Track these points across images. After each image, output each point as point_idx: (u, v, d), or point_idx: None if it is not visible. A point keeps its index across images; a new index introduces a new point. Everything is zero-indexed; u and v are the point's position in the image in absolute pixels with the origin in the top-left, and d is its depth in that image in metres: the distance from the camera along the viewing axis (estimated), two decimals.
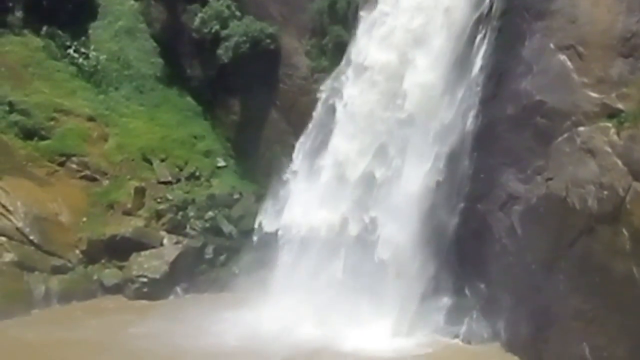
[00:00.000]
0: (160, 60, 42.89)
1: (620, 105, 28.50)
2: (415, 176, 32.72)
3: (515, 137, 31.17)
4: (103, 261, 36.49)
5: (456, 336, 31.92)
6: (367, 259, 33.46)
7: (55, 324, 33.14)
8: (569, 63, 30.02)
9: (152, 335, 31.91)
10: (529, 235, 30.50)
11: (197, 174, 39.37)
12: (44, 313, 34.24)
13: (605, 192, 28.02)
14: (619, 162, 27.87)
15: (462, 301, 32.36)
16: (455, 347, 31.48)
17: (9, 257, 35.02)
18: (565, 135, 29.63)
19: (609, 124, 28.57)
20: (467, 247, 32.45)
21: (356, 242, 34.20)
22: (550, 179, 29.86)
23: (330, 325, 32.48)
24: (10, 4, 42.19)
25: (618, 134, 28.21)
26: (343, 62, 35.87)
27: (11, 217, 35.99)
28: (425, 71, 32.90)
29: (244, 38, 39.15)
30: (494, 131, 31.87)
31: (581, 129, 29.24)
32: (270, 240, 36.54)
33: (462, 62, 32.32)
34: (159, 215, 37.67)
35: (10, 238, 35.50)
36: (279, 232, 36.35)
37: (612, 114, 28.63)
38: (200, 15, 40.55)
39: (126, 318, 33.76)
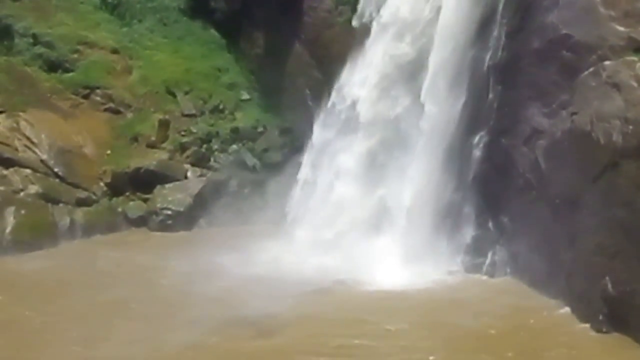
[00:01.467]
0: None
1: None
2: (439, 110, 32.71)
3: (540, 71, 31.03)
4: (127, 194, 36.81)
5: (479, 270, 32.12)
6: (391, 196, 33.82)
7: (79, 256, 33.66)
8: None
9: (175, 266, 32.36)
10: (552, 169, 30.50)
11: (221, 107, 39.43)
12: (68, 245, 34.65)
13: (631, 127, 27.91)
14: None
15: (485, 235, 32.49)
16: (477, 281, 31.67)
17: (33, 189, 35.35)
18: (591, 69, 29.41)
19: (635, 58, 28.36)
20: (491, 182, 32.49)
21: (376, 174, 34.37)
22: (575, 113, 29.72)
23: (350, 259, 32.74)
24: None
25: None
26: None
27: (36, 149, 36.21)
28: (453, 16, 32.70)
29: None
30: (519, 65, 31.71)
31: (607, 63, 29.02)
32: (295, 172, 36.87)
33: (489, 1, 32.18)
34: (183, 148, 37.86)
35: (34, 170, 35.78)
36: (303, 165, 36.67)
37: (639, 47, 28.47)
38: None
39: (150, 250, 34.20)
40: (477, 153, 32.80)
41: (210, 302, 29.05)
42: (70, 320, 27.85)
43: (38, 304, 29.04)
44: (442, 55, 32.73)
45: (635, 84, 28.19)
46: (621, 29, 29.01)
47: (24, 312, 28.34)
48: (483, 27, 32.32)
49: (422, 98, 33.00)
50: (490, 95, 32.42)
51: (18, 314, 28.27)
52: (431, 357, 26.64)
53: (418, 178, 33.08)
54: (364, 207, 34.51)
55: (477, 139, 32.80)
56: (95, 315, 28.21)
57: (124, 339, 26.26)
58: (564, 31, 30.33)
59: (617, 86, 28.62)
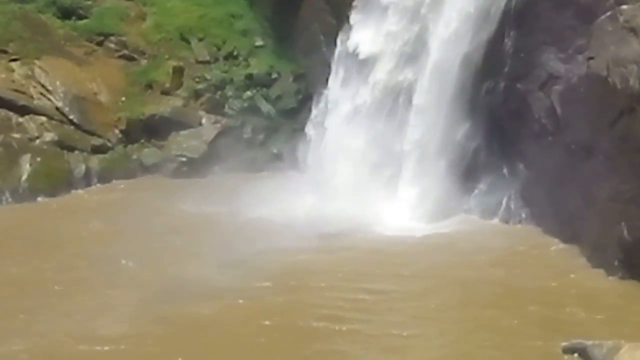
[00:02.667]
0: None
1: None
2: (455, 55, 32.51)
3: (556, 16, 30.81)
4: (142, 141, 36.93)
5: (493, 216, 32.15)
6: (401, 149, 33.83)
7: (92, 201, 34.21)
8: None
9: (190, 212, 32.65)
10: (568, 115, 30.42)
11: (235, 53, 39.31)
12: (83, 191, 34.98)
13: None
14: None
15: (501, 181, 32.48)
16: (492, 227, 31.70)
17: (49, 136, 35.52)
18: (608, 13, 29.17)
19: None
20: (506, 128, 32.46)
21: (393, 121, 34.28)
22: (592, 58, 29.57)
23: (364, 204, 32.76)
24: None
25: None
26: None
27: (50, 96, 36.30)
28: None
29: None
30: (535, 10, 31.47)
31: (624, 7, 28.80)
32: (312, 121, 36.94)
33: None
34: (197, 94, 37.86)
35: (50, 118, 35.90)
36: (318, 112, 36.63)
37: None
38: None
39: (165, 196, 34.41)
40: (491, 98, 32.67)
41: (224, 245, 29.39)
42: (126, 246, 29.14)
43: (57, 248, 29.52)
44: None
45: None
46: None
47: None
48: None
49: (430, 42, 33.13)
50: (506, 41, 32.20)
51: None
52: (437, 295, 26.88)
53: (431, 123, 33.01)
54: (376, 151, 34.50)
55: (492, 84, 32.67)
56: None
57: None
58: None
59: (634, 30, 28.42)
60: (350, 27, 35.86)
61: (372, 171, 34.07)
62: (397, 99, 34.34)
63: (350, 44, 35.69)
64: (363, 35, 35.33)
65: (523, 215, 31.67)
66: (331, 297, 26.76)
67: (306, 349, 23.96)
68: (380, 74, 34.77)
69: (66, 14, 38.56)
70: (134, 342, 23.78)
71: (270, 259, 28.93)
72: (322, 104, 36.71)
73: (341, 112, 35.87)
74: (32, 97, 36.15)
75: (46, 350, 23.38)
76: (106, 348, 23.15)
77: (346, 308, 26.07)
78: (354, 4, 35.86)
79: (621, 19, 28.90)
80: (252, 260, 28.75)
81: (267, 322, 25.39)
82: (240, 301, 26.42)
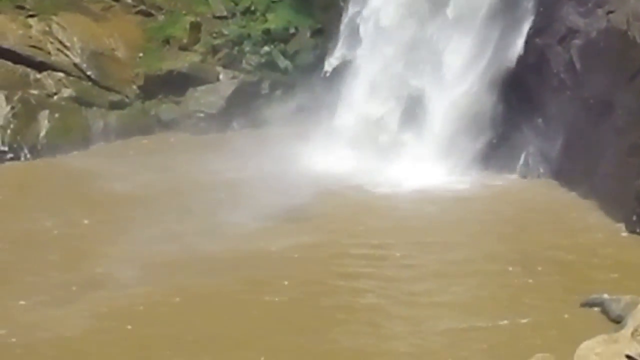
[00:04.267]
0: None
1: None
2: (477, 8, 32.56)
3: None
4: (160, 97, 36.88)
5: (512, 170, 32.30)
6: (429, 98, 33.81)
7: (112, 158, 34.20)
8: None
9: (209, 167, 32.75)
10: (587, 69, 30.43)
11: (253, 8, 39.17)
12: (102, 148, 35.16)
13: None
14: None
15: (519, 137, 32.53)
16: (511, 182, 31.88)
17: (67, 92, 35.63)
18: None
19: None
20: (525, 83, 32.45)
21: (409, 69, 34.48)
22: (611, 12, 29.57)
23: (383, 159, 33.07)
24: None
25: None
26: None
27: (68, 52, 36.35)
28: None
29: None
30: None
31: None
32: (331, 76, 36.85)
33: None
34: (214, 50, 37.84)
35: (67, 74, 35.96)
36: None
37: None
38: None
39: (184, 152, 34.62)
40: (511, 53, 32.62)
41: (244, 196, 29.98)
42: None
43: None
44: None
45: None
46: None
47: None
48: None
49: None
50: None
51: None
52: (459, 247, 27.43)
53: (450, 77, 33.14)
54: (396, 102, 34.56)
55: (511, 39, 32.61)
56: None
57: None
58: None
59: None
60: None
61: (396, 131, 34.21)
62: (417, 50, 34.47)
63: None
64: None
65: (541, 170, 31.84)
66: (353, 252, 27.22)
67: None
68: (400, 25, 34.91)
69: None
70: (169, 273, 24.98)
71: (295, 212, 29.23)
72: (337, 55, 36.88)
73: (357, 64, 36.06)
74: (49, 53, 36.18)
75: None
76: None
77: (368, 262, 26.61)
78: None
79: None
80: (280, 214, 28.95)
81: (295, 255, 26.42)
82: (273, 249, 26.99)
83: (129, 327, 23.00)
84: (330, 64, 36.74)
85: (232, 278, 25.50)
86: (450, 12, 32.85)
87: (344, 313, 24.07)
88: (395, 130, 34.22)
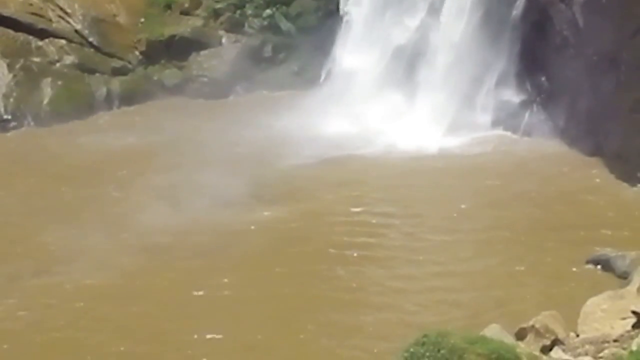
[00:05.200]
0: None
1: None
2: None
3: None
4: (163, 62, 36.87)
5: (516, 130, 32.38)
6: (426, 57, 33.90)
7: (116, 124, 34.59)
8: None
9: (216, 130, 33.05)
10: (590, 26, 30.39)
11: None
12: (106, 114, 35.31)
13: None
14: None
15: (523, 95, 32.69)
16: (516, 140, 32.01)
17: (69, 59, 35.71)
18: None
19: None
20: (528, 41, 32.46)
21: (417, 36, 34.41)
22: None
23: (390, 122, 33.12)
24: None
25: None
26: None
27: (69, 19, 36.37)
28: None
29: None
30: None
31: None
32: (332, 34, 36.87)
33: None
34: (216, 14, 37.74)
35: (69, 40, 36.02)
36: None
37: None
38: None
39: (193, 114, 34.84)
40: (514, 11, 32.56)
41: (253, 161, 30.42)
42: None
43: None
44: None
45: None
46: None
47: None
48: None
49: None
50: None
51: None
52: (461, 204, 27.74)
53: (457, 37, 33.10)
54: (397, 70, 34.53)
55: None
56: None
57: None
58: None
59: None
60: None
61: (397, 91, 34.20)
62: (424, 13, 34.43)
63: None
64: None
65: (546, 128, 31.86)
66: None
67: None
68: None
69: None
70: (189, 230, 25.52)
71: (294, 173, 29.68)
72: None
73: (360, 28, 35.97)
74: (50, 20, 36.21)
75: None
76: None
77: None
78: None
79: None
80: (279, 176, 29.44)
81: (298, 236, 26.26)
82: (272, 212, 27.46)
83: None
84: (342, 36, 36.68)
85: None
86: None
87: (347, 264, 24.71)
88: (395, 92, 34.30)
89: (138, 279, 24.14)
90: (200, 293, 23.65)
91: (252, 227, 26.63)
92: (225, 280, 24.11)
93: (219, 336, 21.93)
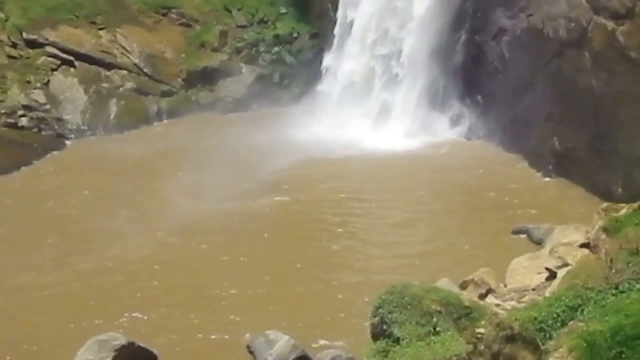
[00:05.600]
0: None
1: None
2: (430, 16, 32.23)
3: None
4: (198, 86, 36.60)
5: (459, 135, 32.15)
6: (390, 79, 33.63)
7: (164, 133, 34.28)
8: None
9: (239, 135, 32.97)
10: (514, 58, 30.33)
11: (265, 19, 38.93)
12: (156, 125, 35.04)
13: (572, 24, 27.69)
14: (583, 0, 27.34)
15: (464, 109, 32.44)
16: (458, 143, 31.73)
17: (129, 85, 35.51)
18: None
19: None
20: (468, 69, 32.31)
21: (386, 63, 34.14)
22: (531, 15, 29.51)
23: (367, 127, 32.94)
24: None
25: None
26: None
27: (129, 55, 36.27)
28: None
29: None
30: None
31: None
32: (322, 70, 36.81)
33: None
34: (238, 51, 37.65)
35: (129, 71, 35.89)
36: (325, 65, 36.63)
37: None
38: None
39: (221, 124, 34.65)
40: (457, 47, 32.47)
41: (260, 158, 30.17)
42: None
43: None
44: None
45: None
46: None
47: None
48: None
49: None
50: (467, 3, 32.00)
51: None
52: (421, 192, 27.60)
53: (413, 67, 32.82)
54: (369, 92, 34.28)
55: (457, 36, 32.46)
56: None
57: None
58: None
59: None
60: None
61: (367, 106, 34.04)
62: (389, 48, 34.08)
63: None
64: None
65: (481, 134, 31.65)
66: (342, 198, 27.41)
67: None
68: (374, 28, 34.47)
69: None
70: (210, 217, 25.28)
71: (296, 169, 29.41)
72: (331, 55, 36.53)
73: (342, 62, 35.73)
74: (115, 56, 35.98)
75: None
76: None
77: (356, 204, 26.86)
78: None
79: None
80: (281, 170, 29.24)
81: (297, 215, 26.31)
82: (272, 201, 27.13)
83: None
84: (326, 61, 36.51)
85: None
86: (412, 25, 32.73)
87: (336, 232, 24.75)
88: (365, 107, 34.05)
89: (175, 250, 24.02)
90: (225, 258, 23.56)
91: (266, 210, 26.49)
92: (242, 249, 24.01)
93: (236, 290, 21.91)
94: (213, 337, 19.96)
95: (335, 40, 36.11)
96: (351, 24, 35.43)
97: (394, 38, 33.67)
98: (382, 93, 33.80)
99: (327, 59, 36.42)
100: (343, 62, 35.60)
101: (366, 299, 17.56)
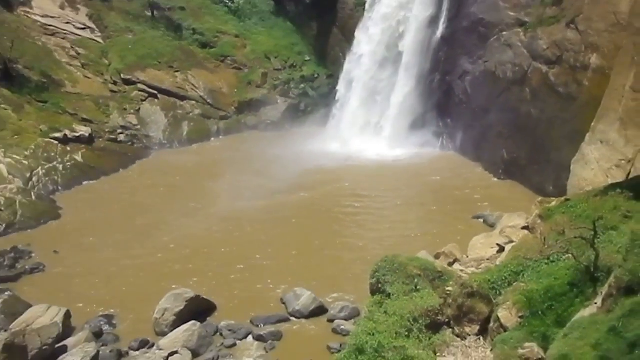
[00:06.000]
0: (272, 2, 41.68)
1: (526, 19, 27.74)
2: (415, 61, 32.20)
3: (467, 39, 30.45)
4: (246, 112, 36.57)
5: (436, 148, 31.84)
6: (384, 109, 33.43)
7: (223, 145, 34.24)
8: None
9: (273, 149, 32.77)
10: (474, 92, 30.20)
11: (295, 64, 38.91)
12: (217, 140, 34.91)
13: (517, 68, 27.62)
14: (525, 51, 27.27)
15: (438, 129, 32.21)
16: (433, 154, 31.44)
17: (197, 111, 35.58)
18: (495, 36, 28.93)
19: (520, 30, 27.80)
20: (441, 100, 32.10)
21: (376, 98, 34.02)
22: (487, 61, 29.37)
23: (364, 142, 32.54)
24: None
25: (525, 35, 27.48)
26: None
27: (197, 90, 36.32)
28: (418, 9, 31.89)
29: None
30: (456, 36, 31.09)
31: (504, 33, 28.57)
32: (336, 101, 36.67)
33: (438, 1, 31.47)
34: (275, 87, 37.60)
35: (197, 101, 35.96)
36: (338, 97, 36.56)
37: (522, 24, 27.82)
38: None
39: (262, 140, 34.39)
40: (434, 85, 32.25)
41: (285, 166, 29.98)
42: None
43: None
44: (412, 30, 32.15)
45: (519, 44, 27.66)
46: (512, 14, 28.37)
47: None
48: (435, 16, 31.59)
49: (402, 51, 32.50)
50: (440, 53, 31.80)
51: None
52: (404, 190, 27.49)
53: (401, 99, 32.62)
54: (368, 117, 34.00)
55: (434, 77, 32.24)
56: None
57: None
58: (480, 16, 29.73)
59: (509, 45, 28.16)
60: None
61: (368, 124, 33.89)
62: (382, 85, 33.94)
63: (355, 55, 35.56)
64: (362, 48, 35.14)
65: (450, 147, 31.41)
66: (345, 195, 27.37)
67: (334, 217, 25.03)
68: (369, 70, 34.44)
69: (204, 45, 38.23)
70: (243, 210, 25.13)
71: (313, 173, 29.14)
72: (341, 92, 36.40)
73: (349, 95, 35.51)
74: (187, 90, 35.89)
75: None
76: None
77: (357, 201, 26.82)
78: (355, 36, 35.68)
79: (502, 39, 28.53)
80: (302, 174, 29.11)
81: (315, 207, 26.15)
82: (298, 196, 27.01)
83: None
84: (338, 95, 36.35)
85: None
86: (401, 69, 32.58)
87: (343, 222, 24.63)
88: (370, 125, 33.72)
89: (227, 231, 23.98)
90: (263, 238, 23.55)
91: (292, 203, 26.44)
92: (276, 231, 24.06)
93: (272, 259, 22.02)
94: (255, 292, 20.08)
95: (342, 84, 35.98)
96: (353, 79, 35.26)
97: (387, 81, 33.53)
98: (377, 119, 33.58)
99: (338, 94, 36.22)
100: (350, 97, 35.40)
101: (366, 266, 17.53)
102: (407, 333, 13.35)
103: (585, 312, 11.58)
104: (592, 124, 21.79)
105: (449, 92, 31.64)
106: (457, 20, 30.96)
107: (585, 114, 22.85)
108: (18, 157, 27.92)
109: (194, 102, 35.90)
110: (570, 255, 13.05)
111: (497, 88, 28.59)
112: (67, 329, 17.93)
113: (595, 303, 11.57)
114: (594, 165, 21.01)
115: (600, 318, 10.79)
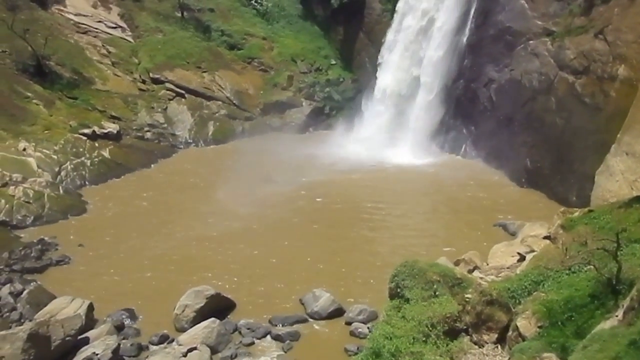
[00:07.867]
0: (300, 6, 41.79)
1: (554, 29, 27.46)
2: (440, 69, 32.00)
3: (494, 47, 30.22)
4: (271, 114, 36.68)
5: (458, 154, 31.71)
6: (407, 116, 33.36)
7: (247, 144, 34.20)
8: (525, 5, 28.74)
9: (297, 149, 32.85)
10: (499, 100, 29.95)
11: (320, 68, 38.93)
12: (241, 140, 34.95)
13: (543, 77, 27.37)
14: (552, 60, 27.00)
15: (461, 136, 32.03)
16: (456, 160, 31.38)
17: (223, 112, 35.76)
18: (522, 45, 28.71)
19: (547, 39, 27.54)
20: (465, 107, 31.89)
21: (401, 104, 33.86)
22: (513, 69, 29.16)
23: (388, 148, 32.49)
24: None
25: (552, 44, 27.22)
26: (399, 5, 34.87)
27: (223, 91, 36.51)
28: (444, 16, 31.79)
29: None
30: (482, 43, 30.88)
31: (531, 41, 28.35)
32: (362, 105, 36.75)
33: (466, 8, 31.31)
34: (300, 90, 37.64)
35: (223, 102, 36.15)
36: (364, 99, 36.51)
37: (549, 33, 27.55)
38: None
39: (286, 141, 34.34)
40: (458, 92, 32.07)
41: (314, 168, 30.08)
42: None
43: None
44: (438, 37, 32.04)
45: (546, 53, 27.43)
46: (539, 23, 28.12)
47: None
48: (462, 23, 31.48)
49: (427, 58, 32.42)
50: (466, 61, 31.65)
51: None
52: (425, 197, 27.28)
53: (425, 105, 32.51)
54: (392, 122, 33.91)
55: (459, 84, 32.07)
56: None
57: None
58: (507, 24, 29.51)
59: (536, 54, 27.92)
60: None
61: (391, 131, 33.72)
62: (407, 90, 33.84)
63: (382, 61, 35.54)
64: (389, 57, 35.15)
65: (474, 154, 31.17)
66: (368, 199, 27.25)
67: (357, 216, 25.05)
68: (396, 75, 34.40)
69: (231, 47, 38.43)
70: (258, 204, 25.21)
71: (335, 178, 29.15)
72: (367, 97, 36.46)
73: (375, 102, 35.54)
74: (214, 91, 36.12)
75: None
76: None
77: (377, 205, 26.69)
78: (383, 42, 35.63)
79: (529, 48, 28.30)
80: (323, 179, 29.03)
81: (337, 212, 26.10)
82: (319, 199, 27.05)
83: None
84: (363, 102, 36.40)
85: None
86: (424, 76, 32.49)
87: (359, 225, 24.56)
88: (391, 133, 33.54)
89: (244, 234, 23.90)
90: (284, 240, 23.48)
91: (313, 207, 26.32)
92: (298, 234, 23.95)
93: (293, 260, 21.96)
94: (274, 292, 20.08)
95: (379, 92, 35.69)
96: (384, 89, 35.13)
97: (410, 91, 33.45)
98: (400, 125, 33.44)
99: (364, 101, 36.23)
100: (374, 103, 35.38)
101: (385, 271, 17.43)
102: (424, 339, 13.24)
103: (606, 325, 11.39)
104: (618, 135, 21.46)
105: (473, 99, 31.40)
106: (483, 28, 30.77)
107: (611, 125, 22.52)
108: (47, 152, 28.32)
109: (220, 102, 36.06)
110: (592, 267, 12.87)
111: (523, 97, 28.32)
112: (90, 321, 18.10)
113: (616, 316, 11.37)
114: (619, 177, 20.70)
115: (621, 331, 10.60)
